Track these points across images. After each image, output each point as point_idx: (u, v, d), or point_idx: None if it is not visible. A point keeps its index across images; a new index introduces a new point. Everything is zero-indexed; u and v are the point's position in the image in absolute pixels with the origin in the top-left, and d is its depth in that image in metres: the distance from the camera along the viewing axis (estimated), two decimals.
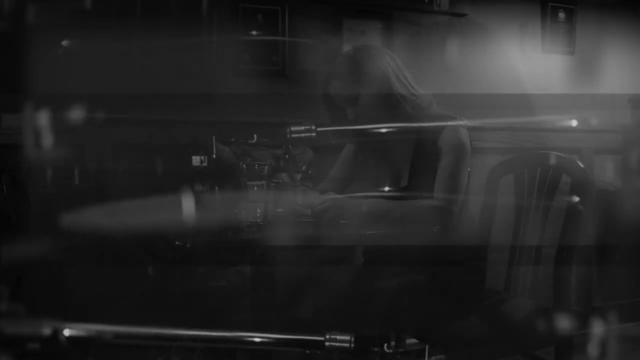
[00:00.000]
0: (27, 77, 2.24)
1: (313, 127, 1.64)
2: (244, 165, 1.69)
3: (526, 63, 3.10)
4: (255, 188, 1.66)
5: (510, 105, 3.04)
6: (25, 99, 2.19)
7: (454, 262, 1.92)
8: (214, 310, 2.12)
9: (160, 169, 2.34)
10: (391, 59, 1.96)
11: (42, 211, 1.91)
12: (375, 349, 0.42)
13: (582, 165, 2.00)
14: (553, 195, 2.07)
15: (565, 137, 3.11)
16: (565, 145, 3.10)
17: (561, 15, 3.10)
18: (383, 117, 1.95)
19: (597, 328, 3.09)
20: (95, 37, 2.31)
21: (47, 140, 2.14)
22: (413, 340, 1.92)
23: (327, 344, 0.40)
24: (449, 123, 1.93)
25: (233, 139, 2.13)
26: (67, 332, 0.43)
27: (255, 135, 2.19)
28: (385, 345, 0.41)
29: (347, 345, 0.40)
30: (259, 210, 1.65)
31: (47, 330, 0.43)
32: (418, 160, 1.96)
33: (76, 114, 2.21)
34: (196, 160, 1.92)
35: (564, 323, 1.94)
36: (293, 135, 1.67)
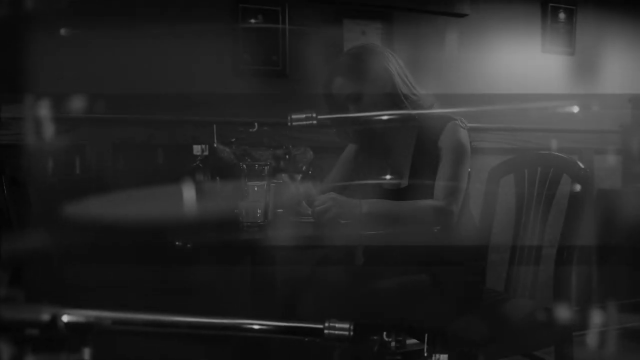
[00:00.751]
0: (26, 67, 2.24)
1: (314, 115, 1.63)
2: (244, 166, 1.69)
3: (526, 64, 3.10)
4: (256, 188, 1.66)
5: (509, 105, 3.04)
6: (24, 90, 2.19)
7: (454, 262, 1.92)
8: (213, 310, 2.10)
9: (161, 168, 2.34)
10: (394, 59, 1.97)
11: (43, 210, 1.92)
12: (375, 337, 0.42)
13: (582, 166, 2.00)
14: (553, 195, 2.07)
15: (566, 137, 3.11)
16: (566, 146, 3.10)
17: (561, 15, 3.10)
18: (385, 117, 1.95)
19: (597, 328, 3.09)
20: (95, 26, 2.31)
21: (47, 135, 2.14)
22: (413, 341, 1.92)
23: (326, 331, 0.40)
24: (449, 123, 1.93)
25: (233, 139, 2.13)
26: (65, 318, 0.43)
27: (256, 124, 2.19)
28: (385, 333, 0.41)
29: (346, 333, 0.40)
30: (259, 211, 1.65)
31: (46, 316, 0.43)
32: (418, 160, 1.96)
33: (76, 107, 2.21)
34: (197, 149, 1.92)
35: (564, 323, 1.94)
36: (294, 124, 1.66)
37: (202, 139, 2.01)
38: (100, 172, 2.30)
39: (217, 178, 1.93)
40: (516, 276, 2.13)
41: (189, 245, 1.38)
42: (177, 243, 1.38)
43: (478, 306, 1.94)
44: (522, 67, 3.10)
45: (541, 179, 2.11)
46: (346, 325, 0.38)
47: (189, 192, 1.68)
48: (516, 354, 1.96)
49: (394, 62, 1.96)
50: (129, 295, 2.22)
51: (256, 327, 0.39)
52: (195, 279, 2.38)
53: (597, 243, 3.19)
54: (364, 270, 2.09)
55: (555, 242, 1.98)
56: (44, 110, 2.19)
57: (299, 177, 2.16)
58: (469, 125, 1.97)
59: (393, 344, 0.48)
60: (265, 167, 1.68)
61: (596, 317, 3.12)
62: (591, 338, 3.00)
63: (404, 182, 1.99)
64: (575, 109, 3.08)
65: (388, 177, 2.05)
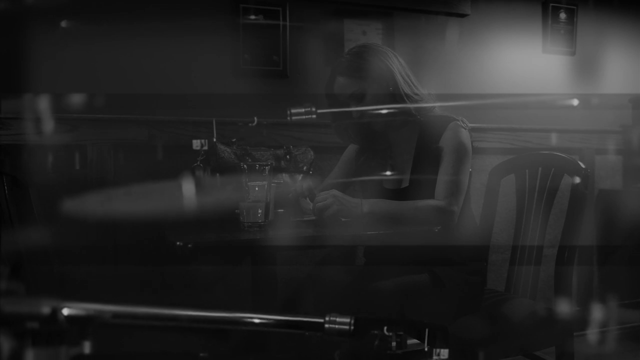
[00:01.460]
0: (26, 59, 2.24)
1: (313, 109, 1.63)
2: (245, 166, 1.68)
3: (527, 64, 3.09)
4: (257, 188, 1.66)
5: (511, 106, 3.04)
6: (24, 89, 2.19)
7: (455, 262, 1.92)
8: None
9: (161, 167, 2.34)
10: (396, 58, 1.97)
11: (43, 208, 1.91)
12: (375, 332, 0.42)
13: (583, 166, 2.00)
14: (554, 195, 2.07)
15: (566, 138, 3.11)
16: (566, 146, 3.10)
17: (562, 15, 3.10)
18: (387, 116, 1.95)
19: (598, 328, 3.09)
20: (95, 22, 2.31)
21: (48, 134, 2.14)
22: (414, 341, 1.92)
23: (326, 326, 0.40)
24: (451, 123, 1.93)
25: (234, 140, 2.13)
26: (66, 311, 0.43)
27: (255, 118, 2.18)
28: (385, 328, 0.41)
29: (347, 327, 0.40)
30: (260, 210, 1.65)
31: (46, 309, 0.43)
32: (419, 160, 1.96)
33: (76, 106, 2.21)
34: (196, 144, 1.91)
35: (564, 323, 1.94)
36: (293, 118, 1.66)
37: (202, 137, 2.01)
38: (101, 171, 2.30)
39: (218, 176, 1.93)
40: (517, 276, 2.13)
41: (189, 246, 1.37)
42: (178, 243, 1.38)
43: (479, 306, 1.94)
44: (522, 67, 3.09)
45: (542, 179, 2.11)
46: (347, 320, 0.38)
47: (189, 191, 1.68)
48: (517, 354, 1.96)
49: (396, 61, 1.96)
50: (128, 294, 2.22)
51: (257, 321, 0.39)
52: (196, 279, 2.38)
53: (598, 243, 3.19)
54: (364, 270, 2.09)
55: (556, 242, 1.98)
56: (44, 109, 2.19)
57: (299, 177, 2.16)
58: (470, 125, 1.98)
59: (394, 344, 0.47)
60: (266, 167, 1.68)
61: (597, 317, 3.12)
62: (592, 338, 3.00)
63: (405, 182, 1.99)
64: (575, 102, 3.08)
65: (389, 176, 2.05)
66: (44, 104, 2.20)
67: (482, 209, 2.27)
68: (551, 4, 3.12)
